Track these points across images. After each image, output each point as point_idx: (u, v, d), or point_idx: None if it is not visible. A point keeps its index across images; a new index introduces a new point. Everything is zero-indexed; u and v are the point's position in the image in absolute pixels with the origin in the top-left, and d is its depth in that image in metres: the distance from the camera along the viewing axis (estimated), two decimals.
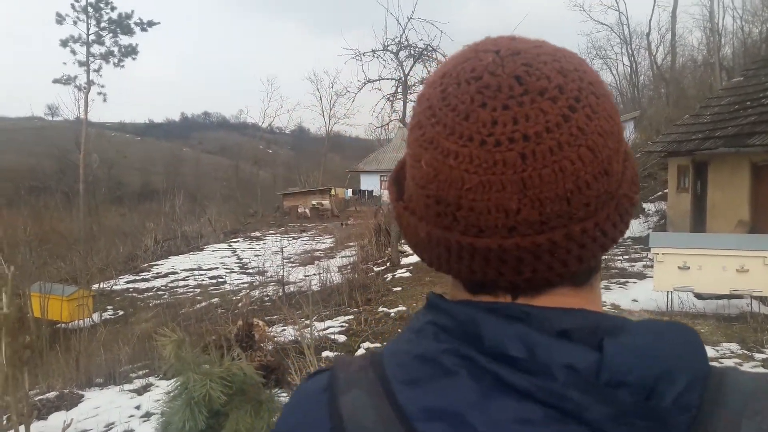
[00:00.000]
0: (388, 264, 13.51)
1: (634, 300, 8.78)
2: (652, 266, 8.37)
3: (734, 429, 0.45)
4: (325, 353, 6.99)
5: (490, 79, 0.48)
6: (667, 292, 8.05)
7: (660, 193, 17.80)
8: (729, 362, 6.08)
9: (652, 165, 19.11)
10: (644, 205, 17.92)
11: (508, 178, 0.46)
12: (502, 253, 0.48)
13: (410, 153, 0.53)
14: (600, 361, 0.45)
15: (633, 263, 11.94)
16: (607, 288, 9.87)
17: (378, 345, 7.30)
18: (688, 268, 7.76)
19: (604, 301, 8.90)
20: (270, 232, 30.07)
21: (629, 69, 44.39)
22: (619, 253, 13.26)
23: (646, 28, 43.69)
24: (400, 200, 0.59)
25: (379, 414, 0.49)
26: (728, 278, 7.59)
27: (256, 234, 29.47)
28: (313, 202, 37.52)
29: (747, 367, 5.92)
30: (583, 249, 0.49)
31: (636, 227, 16.11)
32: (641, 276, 10.48)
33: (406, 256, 14.57)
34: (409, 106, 14.11)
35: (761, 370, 5.85)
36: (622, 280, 10.42)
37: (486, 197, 0.47)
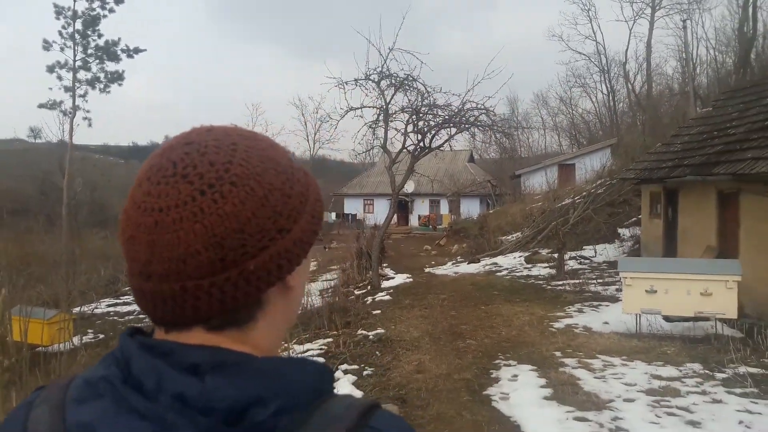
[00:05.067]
0: (369, 287, 13.67)
1: (606, 322, 9.05)
2: (623, 290, 8.66)
3: None
4: None
5: (159, 160, 0.62)
6: (636, 314, 8.35)
7: (634, 219, 18.20)
8: (691, 381, 6.33)
9: (627, 191, 19.59)
10: (619, 231, 18.33)
11: (144, 238, 0.60)
12: (141, 294, 0.62)
13: None
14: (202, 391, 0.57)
15: (606, 287, 12.26)
16: (580, 311, 10.16)
17: (356, 367, 7.47)
18: (655, 291, 8.08)
19: (576, 324, 9.17)
20: None
21: (607, 97, 45.56)
22: (594, 277, 13.59)
23: (623, 58, 44.73)
24: None
25: (52, 427, 0.61)
26: (693, 301, 7.92)
27: None
28: None
29: (707, 386, 6.17)
30: (199, 300, 0.60)
31: (611, 252, 16.49)
32: (614, 299, 10.78)
33: (387, 279, 14.74)
34: (391, 133, 14.47)
35: (721, 389, 6.08)
36: (595, 303, 10.72)
37: (128, 249, 0.62)
